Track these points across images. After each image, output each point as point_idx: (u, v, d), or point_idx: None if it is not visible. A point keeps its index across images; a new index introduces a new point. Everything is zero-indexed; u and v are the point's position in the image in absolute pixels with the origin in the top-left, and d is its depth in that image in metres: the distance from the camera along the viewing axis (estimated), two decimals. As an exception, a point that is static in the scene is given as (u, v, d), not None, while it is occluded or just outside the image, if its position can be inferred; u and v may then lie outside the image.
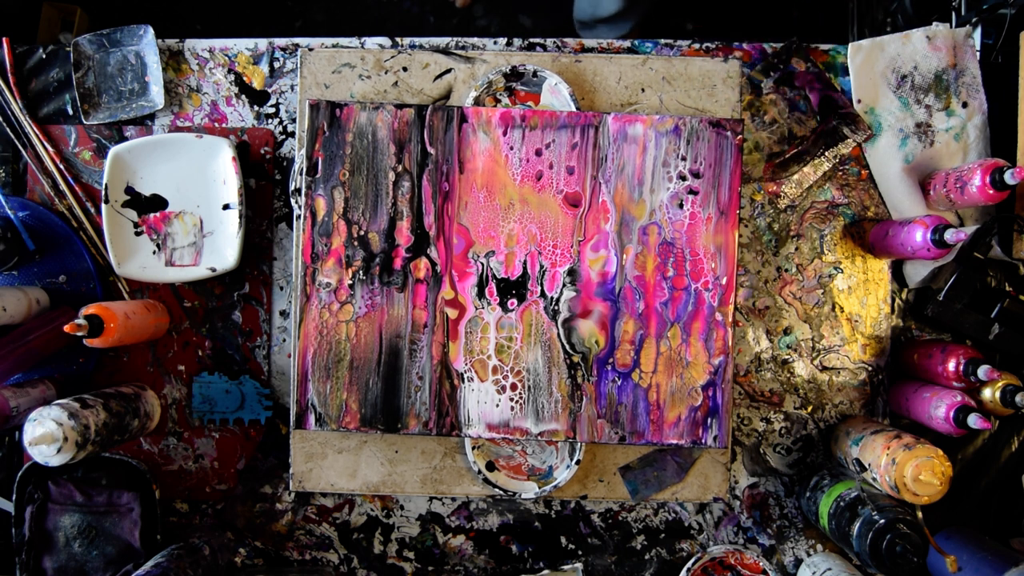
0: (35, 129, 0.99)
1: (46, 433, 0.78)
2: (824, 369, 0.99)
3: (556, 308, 0.90)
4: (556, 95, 0.95)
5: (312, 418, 0.90)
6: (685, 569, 0.96)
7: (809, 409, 0.99)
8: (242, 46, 1.00)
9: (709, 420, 0.90)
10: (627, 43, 1.00)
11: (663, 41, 1.00)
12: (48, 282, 0.98)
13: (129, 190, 0.96)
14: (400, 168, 0.90)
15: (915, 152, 0.98)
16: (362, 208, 0.90)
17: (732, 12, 1.81)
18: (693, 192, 0.90)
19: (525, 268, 0.90)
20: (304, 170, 0.90)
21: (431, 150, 0.90)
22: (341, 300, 0.90)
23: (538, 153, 0.90)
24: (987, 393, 0.90)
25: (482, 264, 0.90)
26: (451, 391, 0.90)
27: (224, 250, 0.97)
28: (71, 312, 0.94)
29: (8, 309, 0.89)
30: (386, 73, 0.96)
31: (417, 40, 1.00)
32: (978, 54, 0.98)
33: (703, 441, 0.90)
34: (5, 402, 0.86)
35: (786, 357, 0.99)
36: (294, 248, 0.98)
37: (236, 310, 1.00)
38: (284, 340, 1.00)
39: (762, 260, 0.99)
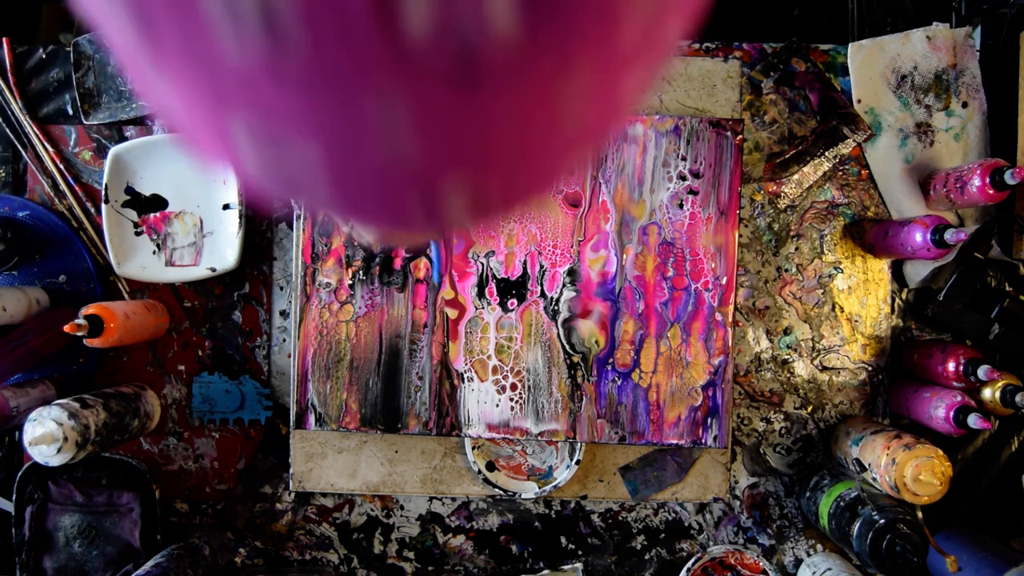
0: (35, 129, 0.99)
1: (46, 433, 0.78)
2: (824, 369, 0.99)
3: (556, 308, 0.90)
4: (556, 95, 0.95)
5: (312, 418, 0.90)
6: (685, 569, 0.96)
7: (809, 409, 0.99)
8: (242, 46, 1.00)
9: (709, 420, 0.90)
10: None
11: (663, 41, 1.00)
12: (48, 282, 0.98)
13: (129, 190, 0.96)
14: (400, 168, 0.90)
15: (915, 152, 0.98)
16: (362, 208, 0.90)
17: (732, 12, 1.81)
18: (693, 192, 0.90)
19: (525, 268, 0.90)
20: (304, 170, 0.89)
21: (431, 150, 0.90)
22: (341, 300, 0.90)
23: (538, 153, 0.90)
24: (987, 393, 0.90)
25: (482, 264, 0.90)
26: (451, 391, 0.90)
27: (224, 250, 0.97)
28: (71, 312, 0.94)
29: (8, 309, 0.89)
30: (386, 73, 0.96)
31: (417, 40, 1.00)
32: (978, 54, 0.98)
33: (703, 441, 0.90)
34: (5, 402, 0.86)
35: (786, 357, 0.99)
36: (294, 248, 0.98)
37: (236, 310, 1.00)
38: (284, 340, 1.00)
39: (762, 260, 0.99)
